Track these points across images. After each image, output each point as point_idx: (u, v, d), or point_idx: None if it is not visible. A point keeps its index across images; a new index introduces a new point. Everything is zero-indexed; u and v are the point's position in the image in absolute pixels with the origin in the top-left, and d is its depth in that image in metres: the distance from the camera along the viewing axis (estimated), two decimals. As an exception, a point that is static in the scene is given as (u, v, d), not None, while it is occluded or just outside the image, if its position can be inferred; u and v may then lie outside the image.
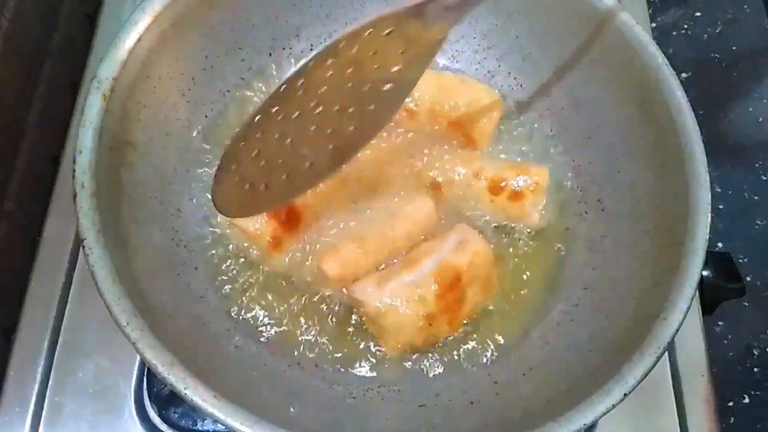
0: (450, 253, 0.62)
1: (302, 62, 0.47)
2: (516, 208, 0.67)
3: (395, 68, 0.52)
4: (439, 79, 0.71)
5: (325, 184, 0.65)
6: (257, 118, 0.49)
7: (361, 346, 0.62)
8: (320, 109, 0.51)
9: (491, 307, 0.64)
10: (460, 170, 0.68)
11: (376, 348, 0.61)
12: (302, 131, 0.52)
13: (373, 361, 0.61)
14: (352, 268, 0.62)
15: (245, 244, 0.64)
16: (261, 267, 0.64)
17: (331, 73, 0.49)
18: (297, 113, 0.50)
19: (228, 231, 0.65)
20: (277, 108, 0.49)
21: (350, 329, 0.62)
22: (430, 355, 0.62)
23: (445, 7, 0.50)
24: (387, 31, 0.50)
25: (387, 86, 0.53)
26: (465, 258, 0.61)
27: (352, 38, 0.49)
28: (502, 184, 0.67)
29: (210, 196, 0.59)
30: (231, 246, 0.65)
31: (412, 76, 0.54)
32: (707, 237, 0.55)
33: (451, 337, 0.63)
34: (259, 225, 0.63)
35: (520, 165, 0.69)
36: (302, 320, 0.62)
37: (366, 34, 0.49)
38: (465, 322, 0.63)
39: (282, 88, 0.48)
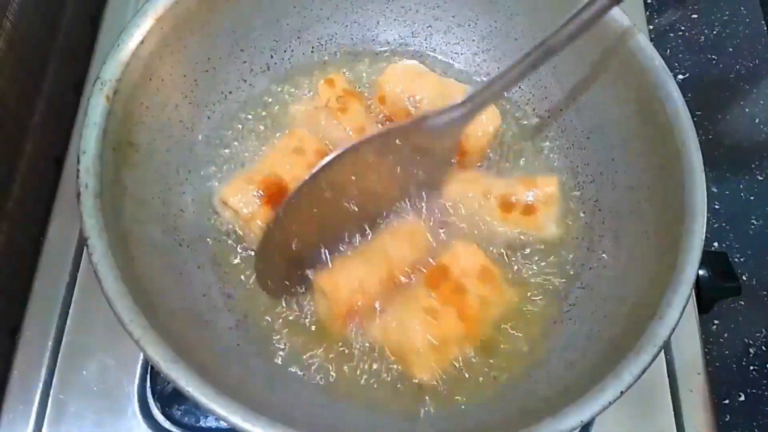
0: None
1: (323, 162, 0.58)
2: (531, 222, 0.66)
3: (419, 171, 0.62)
4: (442, 86, 0.72)
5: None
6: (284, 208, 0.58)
7: (363, 345, 0.62)
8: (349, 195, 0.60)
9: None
10: (468, 193, 0.67)
11: (376, 347, 0.62)
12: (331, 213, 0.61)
13: (374, 359, 0.62)
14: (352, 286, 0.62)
15: (246, 243, 0.65)
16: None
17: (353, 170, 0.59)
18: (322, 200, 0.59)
19: (226, 214, 0.65)
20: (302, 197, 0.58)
21: (351, 328, 0.63)
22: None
23: (447, 121, 0.60)
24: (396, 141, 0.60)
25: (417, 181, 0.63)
26: (445, 255, 0.62)
27: (367, 143, 0.59)
28: (513, 199, 0.66)
29: (219, 201, 0.66)
30: (233, 245, 0.65)
31: (437, 178, 0.64)
32: (703, 237, 0.55)
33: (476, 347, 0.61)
34: (252, 209, 0.63)
35: (526, 178, 0.68)
36: (303, 319, 0.63)
37: (378, 141, 0.59)
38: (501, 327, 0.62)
39: (305, 185, 0.58)
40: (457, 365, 0.60)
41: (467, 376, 0.60)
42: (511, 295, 0.63)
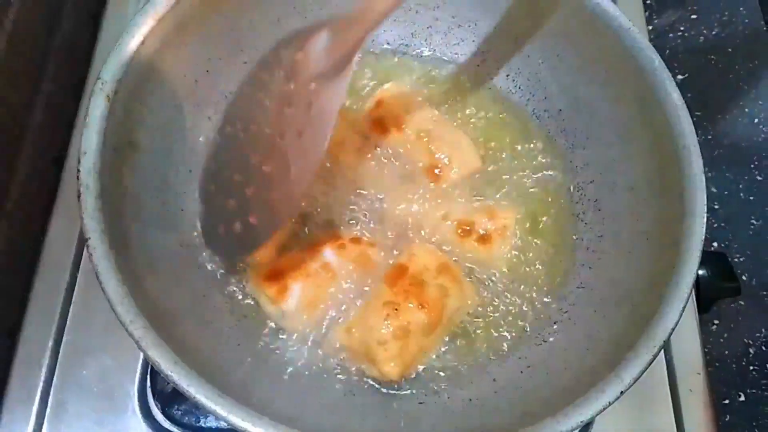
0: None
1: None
2: (484, 252, 0.66)
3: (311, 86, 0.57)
4: (439, 125, 0.72)
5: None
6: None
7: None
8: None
9: (489, 306, 0.65)
10: (429, 213, 0.68)
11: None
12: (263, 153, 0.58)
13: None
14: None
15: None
16: (262, 266, 0.65)
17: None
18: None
19: None
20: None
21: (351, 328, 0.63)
22: (428, 354, 0.62)
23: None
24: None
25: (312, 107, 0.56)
26: (403, 256, 0.64)
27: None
28: (469, 227, 0.67)
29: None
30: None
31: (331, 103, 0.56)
32: (703, 238, 0.55)
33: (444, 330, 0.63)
34: None
35: (487, 208, 0.68)
36: (303, 320, 0.63)
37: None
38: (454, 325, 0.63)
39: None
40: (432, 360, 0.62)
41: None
42: (470, 290, 0.65)
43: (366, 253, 0.65)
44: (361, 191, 0.69)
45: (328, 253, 0.64)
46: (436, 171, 0.69)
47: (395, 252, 0.66)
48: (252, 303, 0.63)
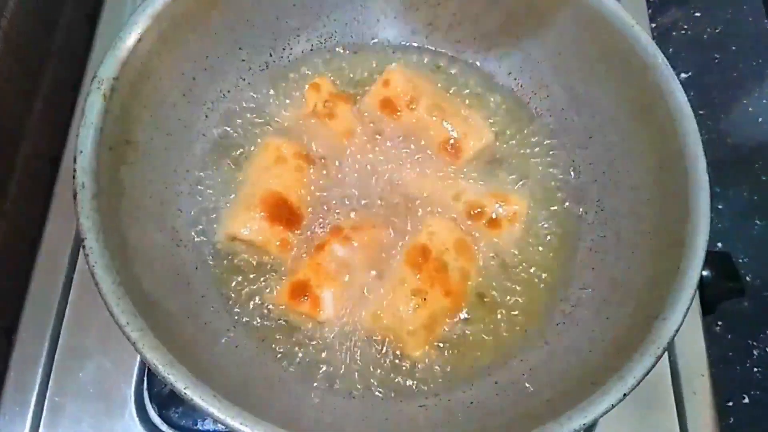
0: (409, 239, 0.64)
1: None
2: (493, 237, 0.66)
3: None
4: (449, 101, 0.72)
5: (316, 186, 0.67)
6: None
7: (357, 337, 0.62)
8: None
9: (489, 305, 0.64)
10: (439, 191, 0.68)
11: (378, 348, 0.61)
12: None
13: (373, 361, 0.61)
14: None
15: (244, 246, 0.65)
16: (260, 266, 0.64)
17: None
18: None
19: (238, 247, 0.64)
20: None
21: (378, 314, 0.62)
22: (429, 355, 0.62)
23: None
24: None
25: None
26: (423, 233, 0.64)
27: None
28: (478, 210, 0.67)
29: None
30: (231, 246, 0.65)
31: None
32: (707, 239, 0.55)
33: (452, 322, 0.63)
34: (264, 235, 0.63)
35: (500, 193, 0.68)
36: (302, 320, 0.62)
37: None
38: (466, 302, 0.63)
39: None
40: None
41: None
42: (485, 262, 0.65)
43: (373, 235, 0.64)
44: (372, 175, 0.68)
45: (337, 249, 0.63)
46: (449, 147, 0.69)
47: (409, 227, 0.66)
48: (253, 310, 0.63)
